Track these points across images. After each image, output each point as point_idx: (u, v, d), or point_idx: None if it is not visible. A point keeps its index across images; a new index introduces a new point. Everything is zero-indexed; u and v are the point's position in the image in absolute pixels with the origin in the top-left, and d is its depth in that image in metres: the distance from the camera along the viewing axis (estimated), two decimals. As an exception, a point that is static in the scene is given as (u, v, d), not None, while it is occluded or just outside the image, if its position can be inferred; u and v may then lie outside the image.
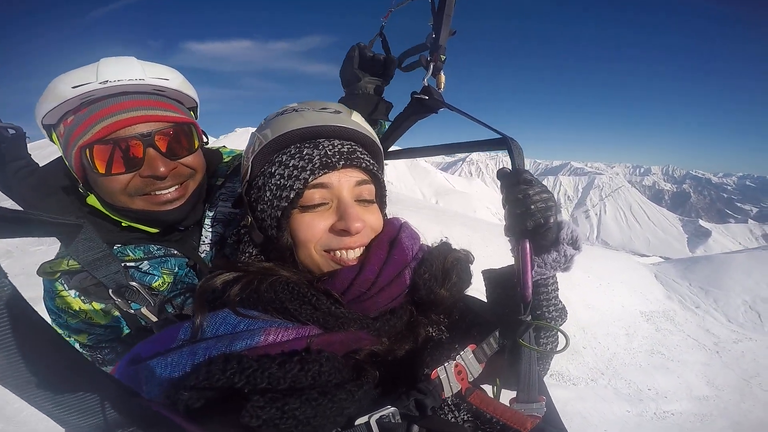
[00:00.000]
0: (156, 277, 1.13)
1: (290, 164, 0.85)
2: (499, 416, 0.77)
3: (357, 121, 0.93)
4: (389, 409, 0.65)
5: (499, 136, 1.02)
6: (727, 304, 12.43)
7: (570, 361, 7.81)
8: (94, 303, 1.10)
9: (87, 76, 0.98)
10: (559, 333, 0.98)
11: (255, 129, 0.95)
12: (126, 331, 1.15)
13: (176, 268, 1.16)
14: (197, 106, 1.23)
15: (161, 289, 1.13)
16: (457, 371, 0.77)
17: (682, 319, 10.98)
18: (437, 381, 0.74)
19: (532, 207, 0.87)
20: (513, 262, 0.96)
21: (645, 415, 7.02)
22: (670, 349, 9.47)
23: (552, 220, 0.89)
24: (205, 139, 1.18)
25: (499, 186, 0.97)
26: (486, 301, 1.06)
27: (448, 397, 0.76)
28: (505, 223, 0.94)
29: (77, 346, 1.17)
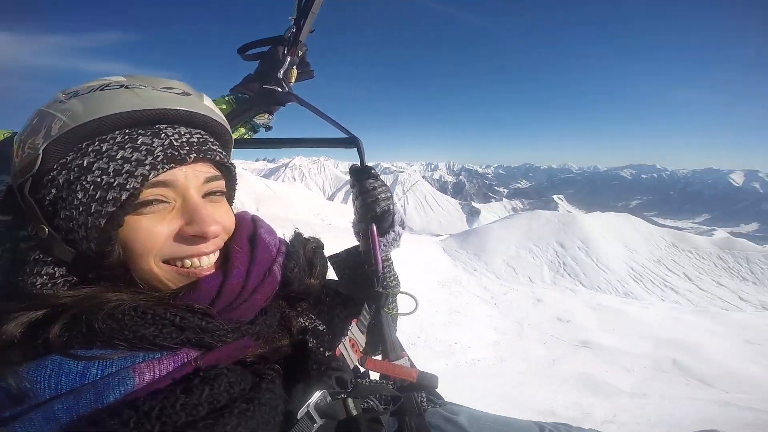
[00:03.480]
0: None
1: (118, 156, 0.66)
2: (392, 374, 0.86)
3: (209, 105, 0.78)
4: (319, 395, 0.67)
5: (347, 135, 1.20)
6: (493, 265, 16.39)
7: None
8: None
9: None
10: (403, 296, 1.21)
11: (43, 105, 0.70)
12: None
13: None
14: None
15: None
16: (351, 344, 0.89)
17: (466, 281, 13.88)
18: (342, 357, 0.80)
19: (380, 196, 1.10)
20: (344, 247, 1.23)
21: (459, 365, 8.57)
22: (463, 307, 11.85)
23: (392, 207, 1.13)
24: None
25: (347, 183, 1.19)
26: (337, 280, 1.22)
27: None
28: (355, 214, 1.16)
29: None
